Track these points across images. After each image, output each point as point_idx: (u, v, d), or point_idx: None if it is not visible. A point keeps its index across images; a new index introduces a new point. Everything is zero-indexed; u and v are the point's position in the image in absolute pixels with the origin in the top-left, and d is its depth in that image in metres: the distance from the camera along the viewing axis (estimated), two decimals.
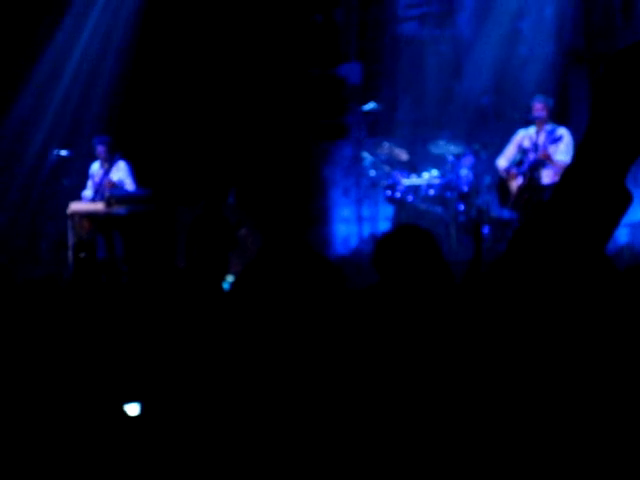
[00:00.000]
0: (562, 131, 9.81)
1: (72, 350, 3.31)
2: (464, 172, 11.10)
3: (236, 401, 2.21)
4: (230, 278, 8.89)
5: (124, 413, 2.63)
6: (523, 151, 9.89)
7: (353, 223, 12.21)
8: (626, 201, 1.22)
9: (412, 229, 3.98)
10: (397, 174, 11.35)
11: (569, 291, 1.13)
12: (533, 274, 1.17)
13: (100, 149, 11.11)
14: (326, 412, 1.87)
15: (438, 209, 11.23)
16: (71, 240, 10.57)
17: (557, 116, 10.26)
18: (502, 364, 1.12)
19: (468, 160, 11.22)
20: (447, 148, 11.21)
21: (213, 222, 9.80)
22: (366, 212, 11.81)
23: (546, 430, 1.12)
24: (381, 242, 4.00)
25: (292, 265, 2.79)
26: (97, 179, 11.11)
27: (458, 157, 11.24)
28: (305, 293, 2.85)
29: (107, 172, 11.03)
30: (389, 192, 11.33)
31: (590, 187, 1.20)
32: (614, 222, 1.21)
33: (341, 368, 2.11)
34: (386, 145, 11.54)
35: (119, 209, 10.54)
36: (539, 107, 9.81)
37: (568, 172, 1.26)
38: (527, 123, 9.85)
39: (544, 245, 1.18)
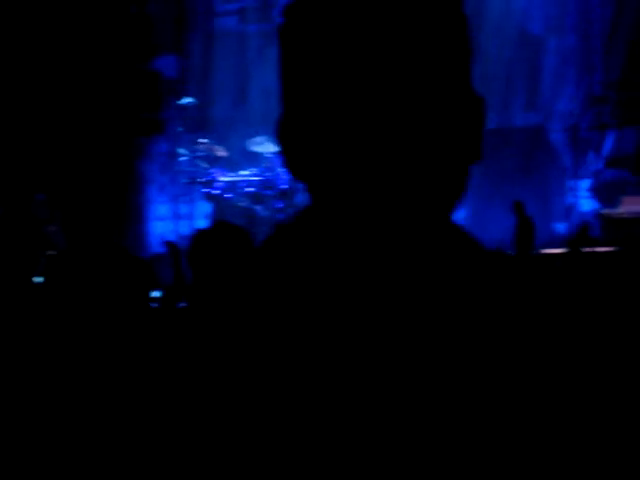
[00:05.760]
0: None
1: None
2: (283, 170, 11.09)
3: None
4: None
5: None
6: None
7: (170, 220, 12.07)
8: None
9: (227, 226, 3.92)
10: (215, 171, 11.29)
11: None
12: None
13: None
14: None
15: (257, 206, 11.22)
16: None
17: None
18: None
19: None
20: (266, 146, 11.17)
21: (18, 219, 9.37)
22: (183, 209, 11.66)
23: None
24: (196, 238, 3.94)
25: (98, 262, 2.60)
26: None
27: (277, 155, 11.22)
28: (111, 289, 2.66)
29: None
30: (207, 189, 11.27)
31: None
32: None
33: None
34: (204, 141, 11.42)
35: None
36: None
37: None
38: None
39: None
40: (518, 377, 0.99)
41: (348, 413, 0.95)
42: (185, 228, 11.56)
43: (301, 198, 11.26)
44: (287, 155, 1.06)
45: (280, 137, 1.06)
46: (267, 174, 11.12)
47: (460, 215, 11.41)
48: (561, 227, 11.41)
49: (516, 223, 10.26)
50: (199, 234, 4.00)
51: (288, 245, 1.05)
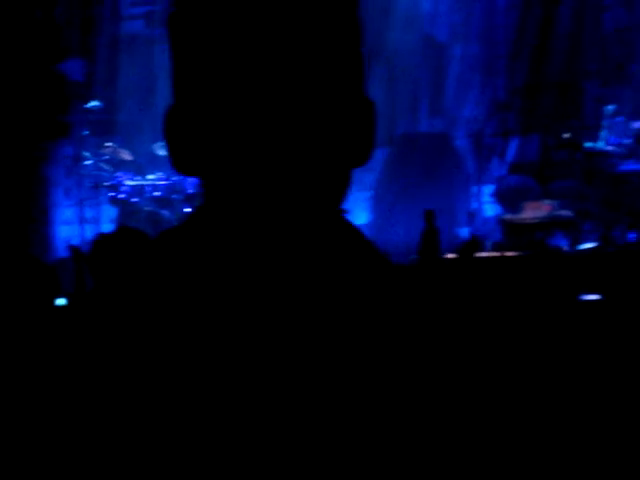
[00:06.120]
0: None
1: None
2: None
3: None
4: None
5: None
6: None
7: (75, 224, 11.91)
8: None
9: (128, 231, 3.88)
10: (121, 175, 11.20)
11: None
12: None
13: None
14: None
15: (163, 211, 11.14)
16: None
17: None
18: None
19: None
20: None
21: None
22: (89, 213, 11.54)
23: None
24: (97, 243, 3.89)
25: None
26: None
27: None
28: (12, 295, 2.63)
29: None
30: (112, 193, 11.16)
31: None
32: None
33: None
34: (109, 145, 11.33)
35: None
36: None
37: None
38: None
39: None
40: (381, 376, 1.00)
41: (224, 408, 0.96)
42: (91, 232, 11.44)
43: None
44: (173, 148, 1.04)
45: (167, 129, 1.04)
46: (174, 178, 11.06)
47: (365, 219, 11.49)
48: (465, 232, 11.57)
49: (424, 230, 10.37)
50: (100, 239, 3.95)
51: (173, 245, 1.05)
